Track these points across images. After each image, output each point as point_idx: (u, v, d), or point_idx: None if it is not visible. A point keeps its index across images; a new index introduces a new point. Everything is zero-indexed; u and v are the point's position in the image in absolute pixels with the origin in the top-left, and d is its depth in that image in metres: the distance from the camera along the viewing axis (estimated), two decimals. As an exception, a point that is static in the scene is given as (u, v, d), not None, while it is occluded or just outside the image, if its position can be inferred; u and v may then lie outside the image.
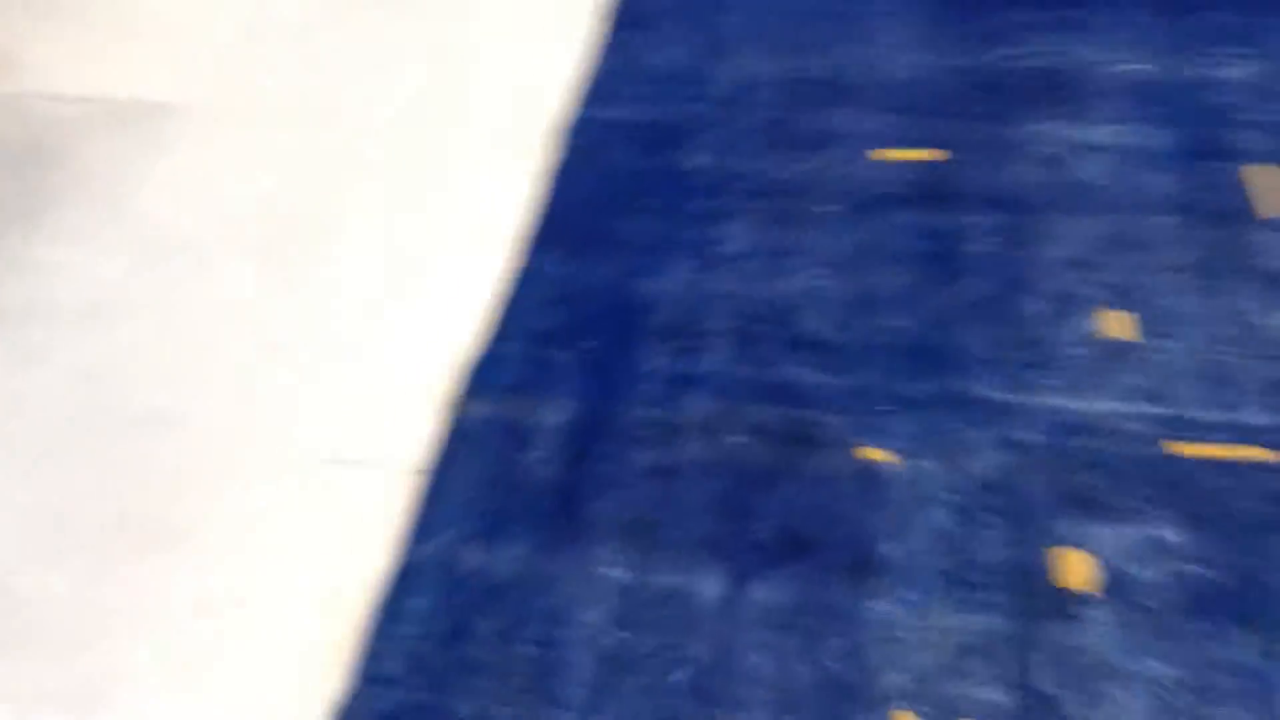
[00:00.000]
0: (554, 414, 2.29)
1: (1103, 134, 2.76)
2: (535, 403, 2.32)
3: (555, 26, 3.34)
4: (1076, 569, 1.94)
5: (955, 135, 2.78)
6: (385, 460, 2.24)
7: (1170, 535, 1.97)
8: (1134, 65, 2.92)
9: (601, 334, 2.43)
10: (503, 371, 2.38)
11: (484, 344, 2.44)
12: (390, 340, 2.49)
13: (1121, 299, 2.37)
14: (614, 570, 2.05)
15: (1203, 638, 1.83)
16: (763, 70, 3.08)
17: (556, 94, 3.07)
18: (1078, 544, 1.97)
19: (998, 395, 2.22)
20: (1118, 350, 2.28)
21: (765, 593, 1.98)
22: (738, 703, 1.85)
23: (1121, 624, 1.86)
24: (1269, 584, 1.88)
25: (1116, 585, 1.92)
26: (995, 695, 1.80)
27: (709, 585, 2.00)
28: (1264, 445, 2.08)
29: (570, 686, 1.90)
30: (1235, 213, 2.53)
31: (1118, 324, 2.33)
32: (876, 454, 2.15)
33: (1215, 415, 2.14)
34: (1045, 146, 2.73)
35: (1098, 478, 2.06)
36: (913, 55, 3.02)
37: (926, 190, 2.67)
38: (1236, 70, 2.87)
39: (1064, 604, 1.90)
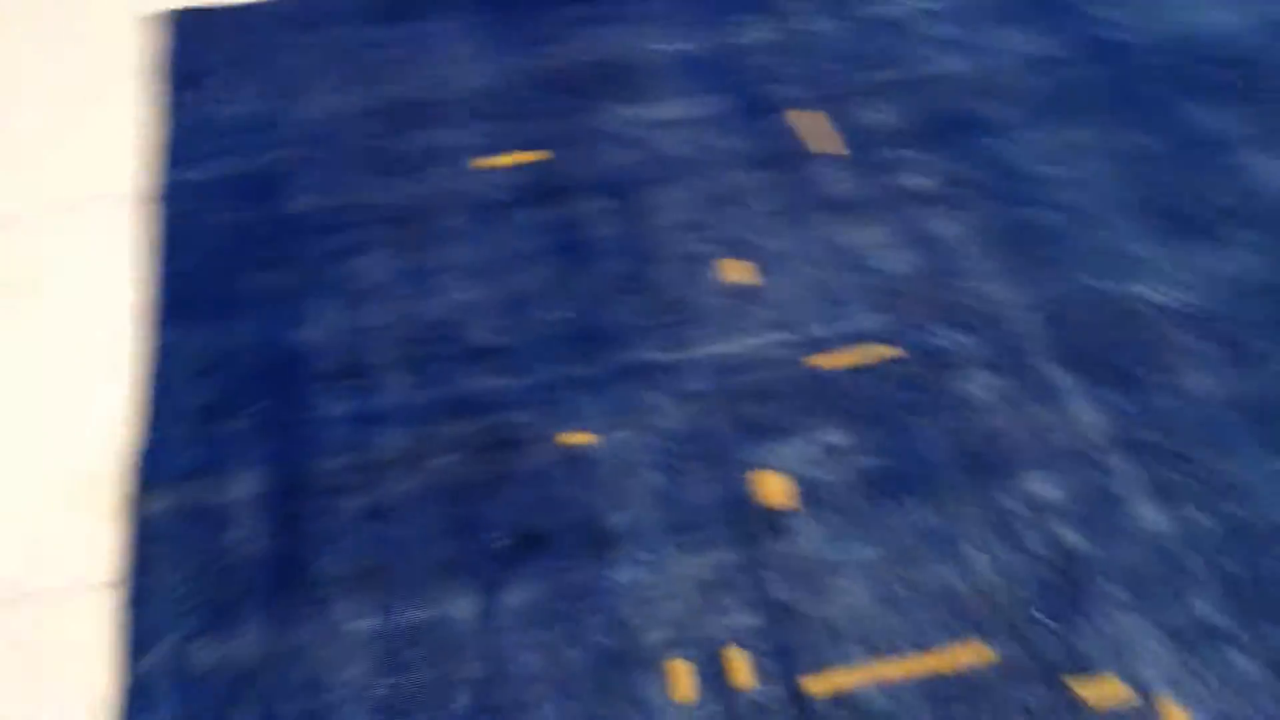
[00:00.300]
0: (245, 486, 2.17)
1: (672, 110, 3.04)
2: (219, 480, 2.18)
3: (104, 94, 3.11)
4: (774, 488, 2.18)
5: (549, 133, 2.95)
6: (69, 584, 2.02)
7: (836, 438, 2.26)
8: (678, 45, 3.25)
9: (267, 394, 2.33)
10: (173, 458, 2.22)
11: (142, 436, 2.25)
12: (35, 457, 2.23)
13: (735, 249, 2.65)
14: (361, 622, 2.00)
15: (889, 516, 2.13)
16: (343, 105, 3.07)
17: (131, 162, 2.87)
18: (767, 466, 2.21)
19: (663, 356, 2.41)
20: (745, 293, 2.55)
21: (517, 595, 2.02)
22: (523, 706, 1.89)
23: (823, 524, 2.12)
24: (922, 455, 2.22)
25: (809, 493, 2.17)
26: (745, 618, 1.99)
27: (461, 607, 2.01)
28: (881, 342, 2.43)
29: (353, 749, 1.84)
30: (794, 154, 2.91)
31: (738, 271, 2.60)
32: (577, 438, 2.26)
33: (837, 328, 2.47)
34: (629, 130, 2.97)
35: (765, 405, 2.32)
36: (486, 65, 3.15)
37: (538, 189, 2.81)
38: (756, 33, 3.28)
39: (773, 521, 2.12)
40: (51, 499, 2.18)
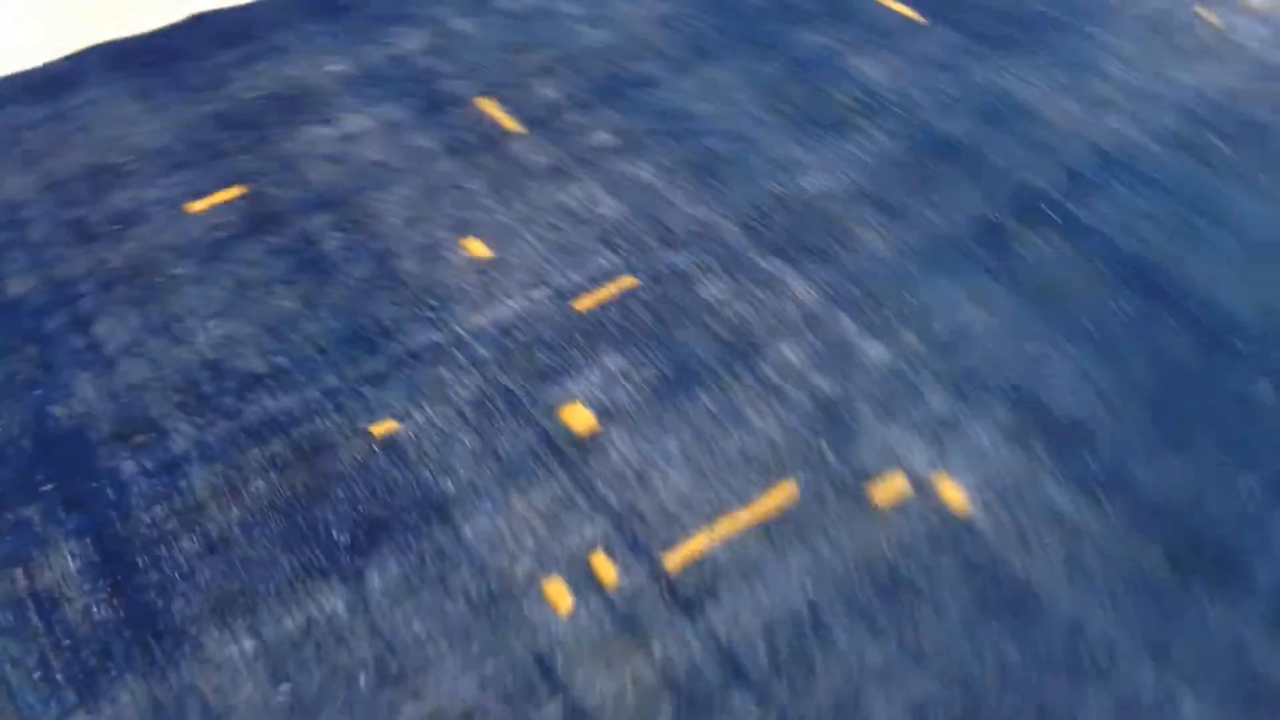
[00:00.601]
0: (62, 564, 2.11)
1: (361, 122, 3.17)
2: (31, 567, 2.10)
3: None
4: (578, 418, 2.40)
5: (248, 168, 2.99)
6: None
7: (616, 363, 2.51)
8: (346, 66, 3.37)
9: (52, 474, 2.25)
10: (-24, 561, 2.10)
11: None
12: None
13: (468, 229, 2.83)
14: (236, 647, 2.01)
15: (680, 410, 2.42)
16: (26, 186, 2.95)
17: None
18: (566, 402, 2.43)
19: (439, 337, 2.56)
20: (492, 264, 2.74)
21: (381, 577, 2.12)
22: (426, 665, 2.00)
23: (629, 433, 2.37)
24: (689, 355, 2.52)
25: (608, 412, 2.41)
26: (592, 529, 2.20)
27: (331, 603, 2.08)
28: (622, 275, 2.71)
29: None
30: (488, 138, 3.13)
31: (479, 248, 2.79)
32: (385, 427, 2.36)
33: (582, 273, 2.72)
34: (325, 148, 3.07)
35: (546, 353, 2.53)
36: (162, 119, 3.14)
37: (254, 219, 2.86)
38: (412, 42, 3.46)
39: (586, 443, 2.35)
40: None
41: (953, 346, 2.53)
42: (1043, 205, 2.87)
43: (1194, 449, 2.29)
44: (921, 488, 2.25)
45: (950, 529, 2.17)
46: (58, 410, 2.38)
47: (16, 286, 2.65)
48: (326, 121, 3.16)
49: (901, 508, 2.22)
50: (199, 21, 3.46)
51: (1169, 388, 2.41)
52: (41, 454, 2.30)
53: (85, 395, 2.42)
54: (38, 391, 2.42)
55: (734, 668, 1.98)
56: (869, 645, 2.00)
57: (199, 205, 2.89)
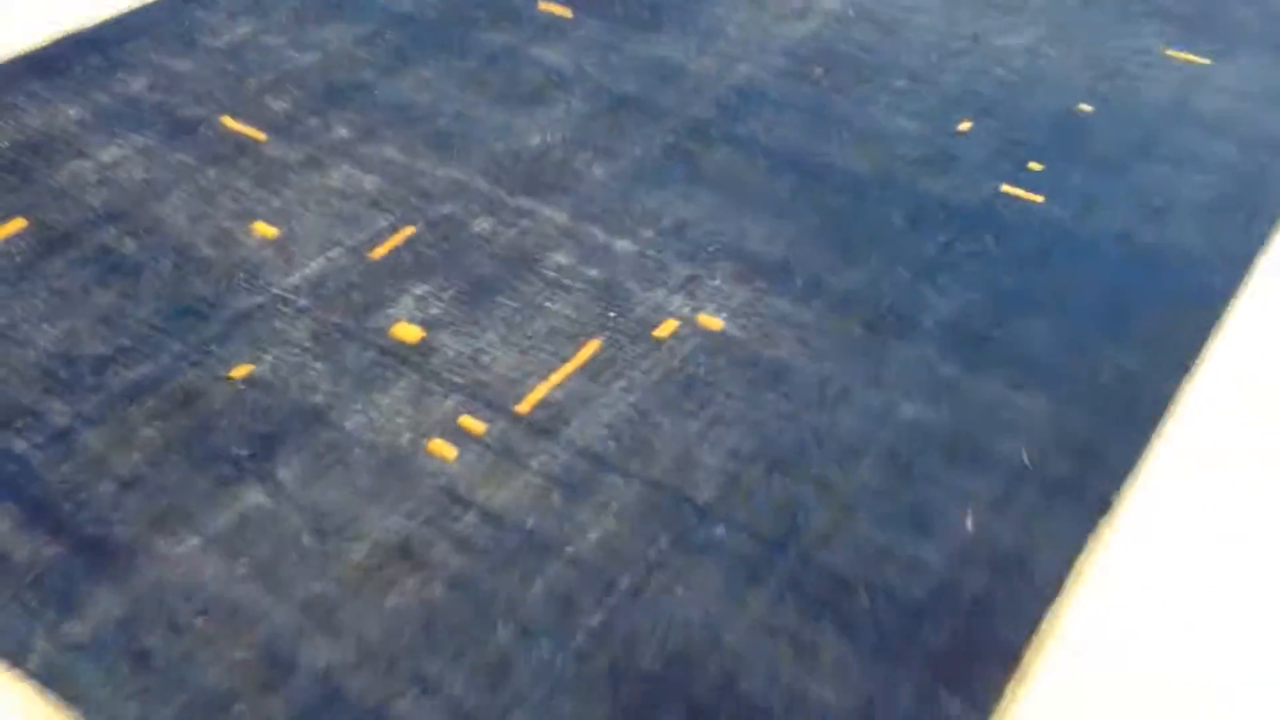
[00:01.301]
0: (-2, 521, 2.32)
1: (117, 150, 3.44)
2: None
3: None
4: (406, 332, 2.88)
5: (13, 204, 3.19)
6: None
7: (423, 288, 3.01)
8: (85, 109, 3.61)
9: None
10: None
11: None
12: None
13: (255, 216, 3.22)
14: (184, 545, 2.33)
15: (486, 309, 2.96)
16: None
17: None
18: (395, 321, 2.90)
19: (261, 298, 2.95)
20: (288, 237, 3.15)
21: (291, 468, 2.50)
22: (357, 518, 2.41)
23: (453, 334, 2.88)
24: (480, 274, 3.07)
25: (431, 322, 2.91)
26: (448, 403, 2.69)
27: (255, 496, 2.44)
28: (402, 227, 3.22)
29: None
30: (240, 149, 3.51)
31: (269, 229, 3.18)
32: (241, 371, 2.73)
33: (369, 230, 3.19)
34: (90, 176, 3.33)
35: (362, 292, 2.98)
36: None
37: (37, 250, 3.08)
38: (139, 82, 3.77)
39: (419, 347, 2.83)
40: None
41: (679, 232, 3.25)
42: (710, 130, 3.69)
43: (863, 260, 3.14)
44: (688, 323, 2.94)
45: (716, 342, 2.88)
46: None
47: None
48: (84, 155, 3.41)
49: (679, 336, 2.90)
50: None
51: (835, 228, 3.26)
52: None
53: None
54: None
55: (595, 459, 2.56)
56: (686, 420, 2.65)
57: (-22, 242, 3.07)
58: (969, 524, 2.44)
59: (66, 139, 3.49)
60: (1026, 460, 2.59)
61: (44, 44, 3.94)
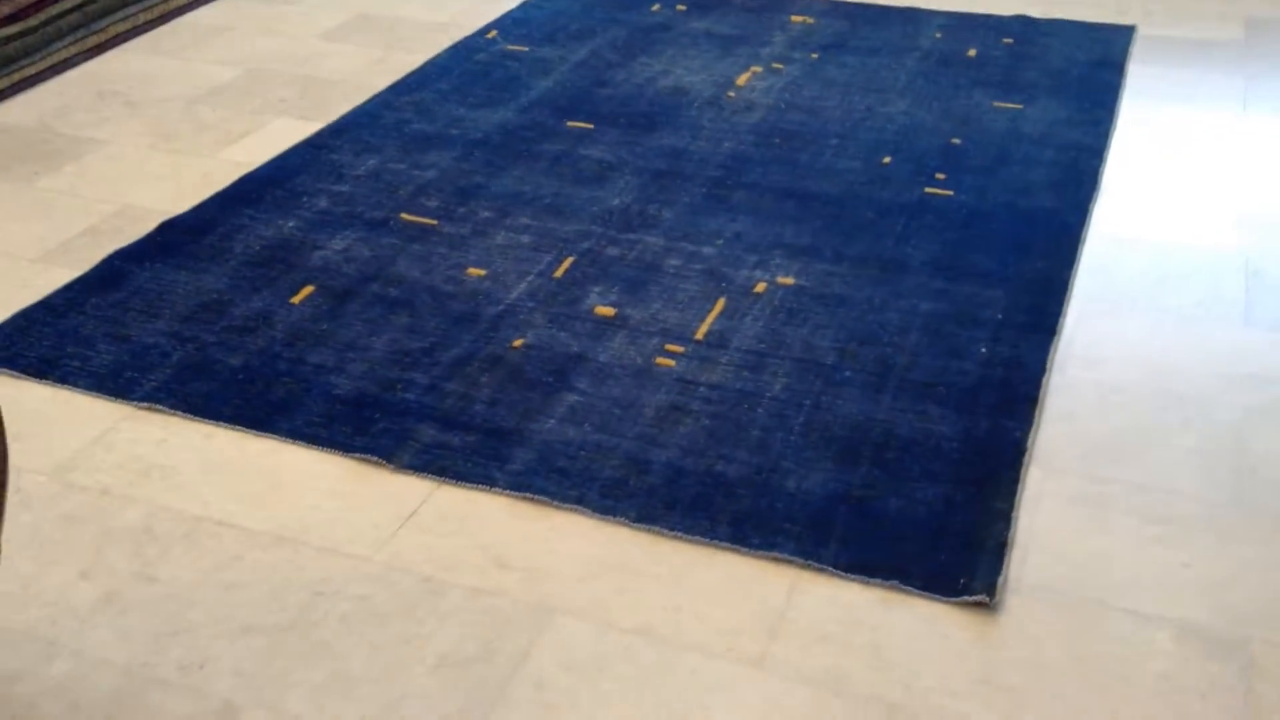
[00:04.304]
0: None
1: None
2: None
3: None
4: (604, 311, 4.45)
5: None
6: None
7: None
8: None
9: None
10: None
11: None
12: None
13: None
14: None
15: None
16: None
17: None
18: (600, 305, 4.47)
19: (506, 303, 4.47)
20: (484, 279, 4.69)
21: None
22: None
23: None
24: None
25: (618, 310, 4.49)
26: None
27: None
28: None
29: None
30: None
31: (475, 271, 4.71)
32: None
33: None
34: (337, 257, 4.78)
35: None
36: None
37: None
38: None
39: (617, 320, 4.41)
40: None
41: (738, 239, 4.96)
42: (727, 181, 5.46)
43: (860, 240, 4.93)
44: (772, 283, 4.64)
45: (795, 290, 4.60)
46: None
47: None
48: (320, 247, 4.81)
49: (771, 290, 4.59)
50: None
51: (834, 226, 5.05)
52: None
53: None
54: None
55: (755, 354, 4.21)
56: (797, 329, 4.32)
57: None
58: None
59: (300, 239, 4.93)
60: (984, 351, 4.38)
61: (231, 182, 5.37)
